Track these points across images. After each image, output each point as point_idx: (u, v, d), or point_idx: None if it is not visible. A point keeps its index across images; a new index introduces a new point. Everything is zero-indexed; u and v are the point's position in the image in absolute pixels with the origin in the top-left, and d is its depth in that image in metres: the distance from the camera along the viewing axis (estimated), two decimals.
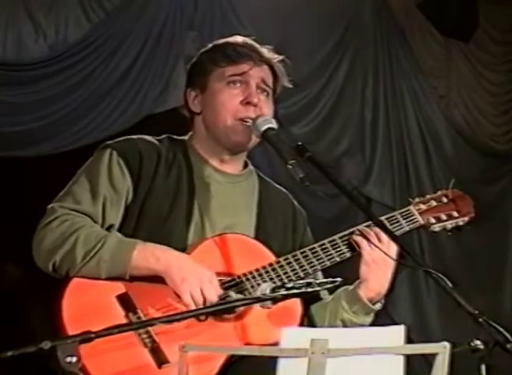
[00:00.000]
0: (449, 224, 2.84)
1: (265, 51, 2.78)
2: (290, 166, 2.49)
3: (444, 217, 2.83)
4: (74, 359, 1.92)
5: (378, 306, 2.72)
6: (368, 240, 2.67)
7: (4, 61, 4.89)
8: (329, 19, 5.97)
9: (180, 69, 5.16)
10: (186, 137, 2.84)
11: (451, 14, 6.22)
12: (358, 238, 2.68)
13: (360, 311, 2.70)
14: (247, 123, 2.68)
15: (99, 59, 5.11)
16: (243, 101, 2.70)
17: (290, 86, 2.82)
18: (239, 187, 2.80)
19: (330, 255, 2.69)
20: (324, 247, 2.69)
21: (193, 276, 2.51)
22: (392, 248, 2.65)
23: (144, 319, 2.49)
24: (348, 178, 6.00)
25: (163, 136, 2.82)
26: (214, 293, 2.52)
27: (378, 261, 2.66)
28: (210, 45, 2.85)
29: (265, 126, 2.65)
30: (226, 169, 2.79)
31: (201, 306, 2.50)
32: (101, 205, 2.63)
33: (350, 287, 2.72)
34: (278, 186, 2.91)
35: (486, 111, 6.66)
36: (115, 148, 2.69)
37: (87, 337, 2.00)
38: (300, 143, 2.56)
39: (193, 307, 2.50)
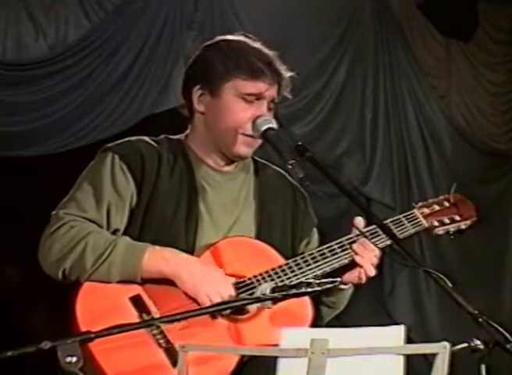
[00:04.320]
0: (451, 228, 2.87)
1: (277, 63, 2.74)
2: (290, 166, 2.50)
3: (447, 221, 2.86)
4: (74, 359, 1.92)
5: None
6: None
7: (4, 61, 4.89)
8: (329, 19, 5.96)
9: (180, 70, 5.15)
10: (182, 136, 2.81)
11: (451, 14, 6.22)
12: (354, 245, 2.70)
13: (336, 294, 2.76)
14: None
15: (99, 59, 5.11)
16: (254, 119, 2.69)
17: (289, 97, 2.81)
18: (237, 182, 2.79)
19: (338, 257, 2.69)
20: (331, 249, 2.70)
21: (205, 279, 2.53)
22: (374, 259, 2.68)
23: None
24: (348, 178, 6.00)
25: (161, 136, 2.79)
26: (228, 292, 2.54)
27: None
28: (217, 40, 2.78)
29: (265, 126, 2.65)
30: (223, 168, 2.77)
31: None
32: (106, 211, 2.61)
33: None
34: (275, 167, 2.87)
35: (486, 111, 6.65)
36: (117, 152, 2.67)
37: (87, 337, 2.00)
38: (300, 143, 2.56)
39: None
